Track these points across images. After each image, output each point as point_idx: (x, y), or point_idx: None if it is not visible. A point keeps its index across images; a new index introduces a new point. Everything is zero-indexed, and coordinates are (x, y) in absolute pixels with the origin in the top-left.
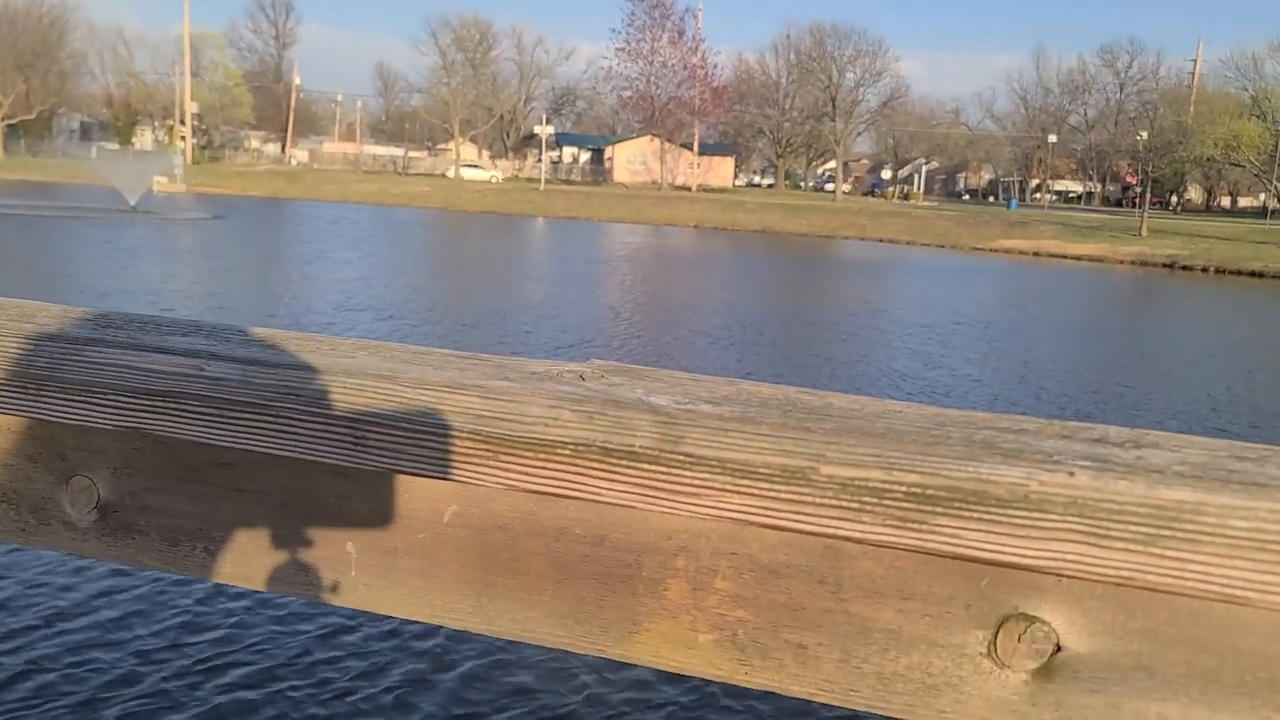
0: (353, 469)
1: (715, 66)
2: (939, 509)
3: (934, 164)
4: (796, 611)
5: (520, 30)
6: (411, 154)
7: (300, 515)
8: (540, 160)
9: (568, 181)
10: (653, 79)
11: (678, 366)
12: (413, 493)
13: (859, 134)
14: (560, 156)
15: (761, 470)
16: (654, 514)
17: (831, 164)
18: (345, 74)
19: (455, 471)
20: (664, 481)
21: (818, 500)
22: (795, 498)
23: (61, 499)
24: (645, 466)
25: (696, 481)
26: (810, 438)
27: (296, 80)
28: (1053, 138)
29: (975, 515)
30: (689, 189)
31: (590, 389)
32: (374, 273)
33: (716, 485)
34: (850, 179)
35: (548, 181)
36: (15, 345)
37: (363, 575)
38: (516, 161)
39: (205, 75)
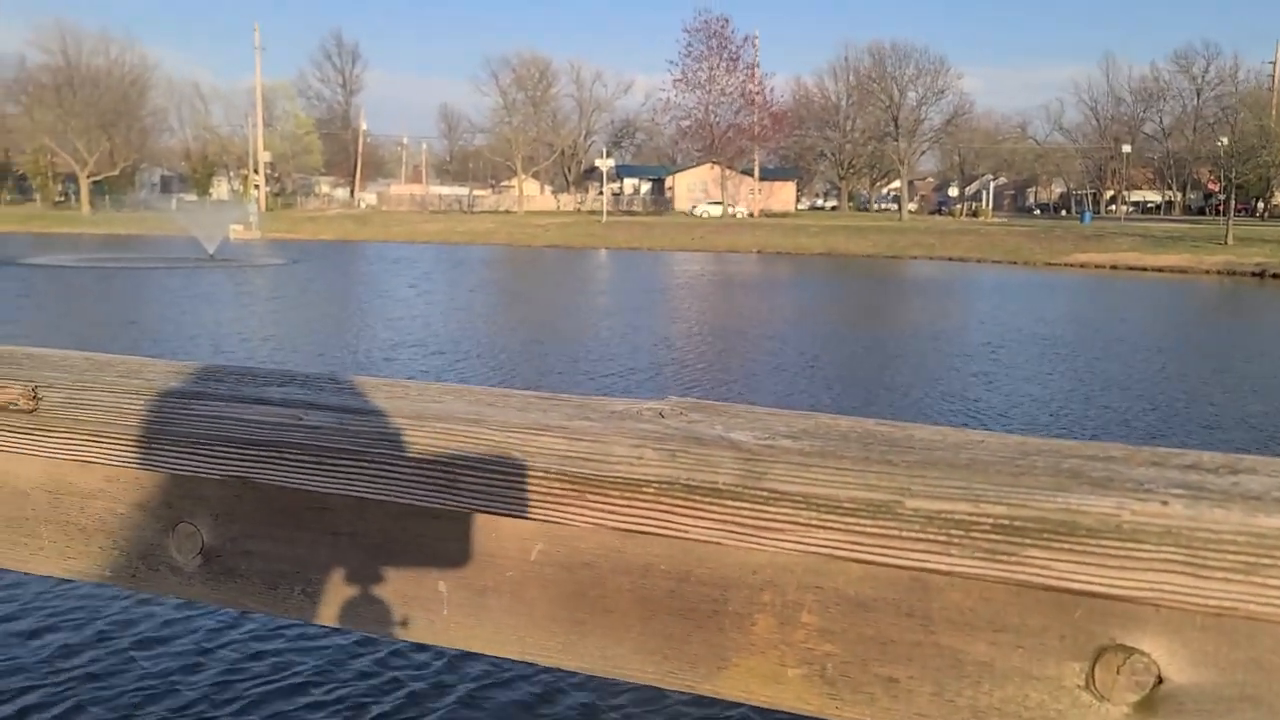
0: (444, 510)
1: (773, 91)
2: (1028, 540)
3: (1002, 179)
4: (886, 645)
5: (579, 66)
6: (476, 192)
7: (394, 556)
8: (601, 193)
9: (629, 212)
10: (711, 107)
11: (740, 394)
12: (501, 532)
13: (923, 152)
14: (621, 188)
15: (846, 505)
16: (738, 549)
17: (896, 184)
18: (410, 117)
19: (543, 511)
20: (748, 518)
21: (904, 534)
22: (881, 532)
23: (168, 545)
24: (729, 503)
25: (781, 517)
26: (894, 471)
27: (363, 125)
28: (1126, 148)
29: (1066, 546)
30: (751, 215)
31: (671, 426)
32: (430, 310)
33: (801, 520)
34: (916, 198)
35: (609, 213)
36: (128, 401)
37: (455, 614)
38: (578, 195)
39: (277, 125)
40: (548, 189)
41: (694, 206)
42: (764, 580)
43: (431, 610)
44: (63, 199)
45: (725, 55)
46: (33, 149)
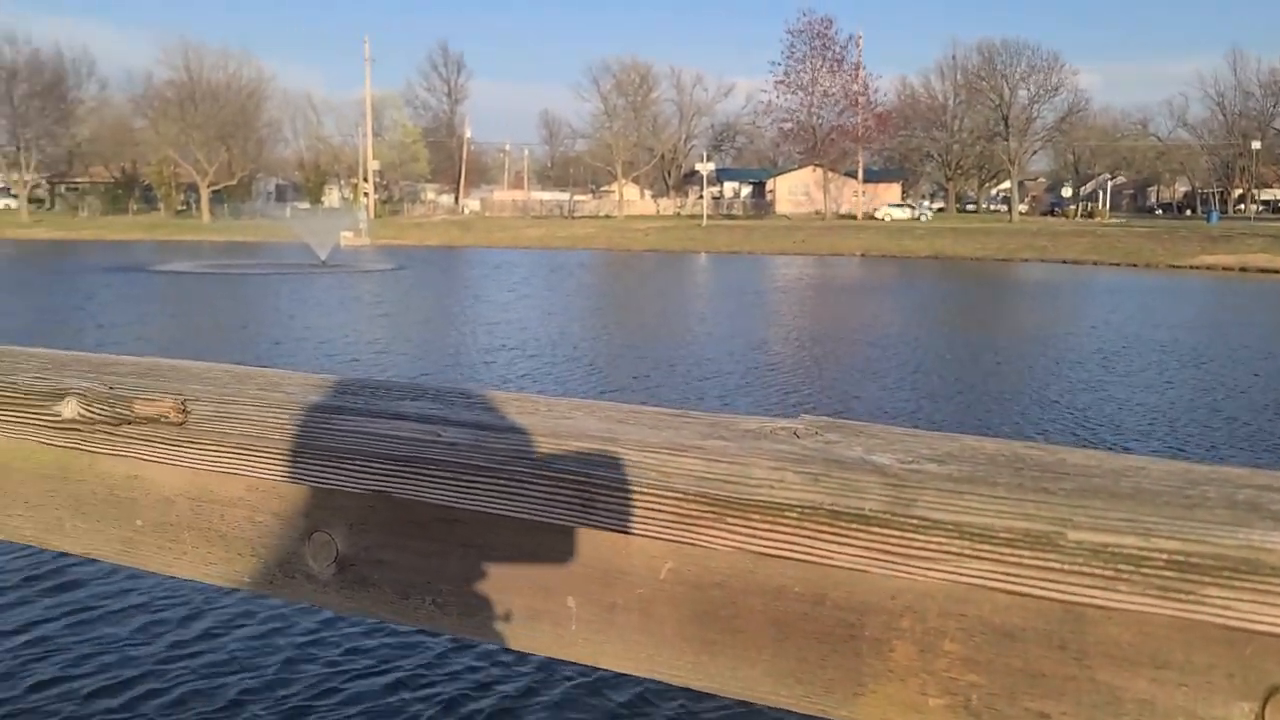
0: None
1: (877, 92)
2: (1207, 579)
3: (1120, 179)
4: (1036, 678)
5: (679, 71)
6: (577, 197)
7: (524, 570)
8: (701, 197)
9: (730, 216)
10: (813, 109)
11: (834, 400)
12: (630, 549)
13: (1035, 152)
14: (721, 192)
15: (1002, 535)
16: (874, 575)
17: (1005, 184)
18: (512, 124)
19: (680, 533)
20: (896, 546)
21: (1065, 567)
22: (1040, 564)
23: (304, 553)
24: (876, 530)
25: (931, 546)
26: (1053, 500)
27: (468, 133)
28: (1256, 144)
29: (1249, 586)
30: (854, 217)
31: (809, 448)
32: (528, 314)
33: (954, 550)
34: (1027, 198)
35: (709, 217)
36: (272, 416)
37: (583, 629)
38: (678, 199)
39: (385, 134)
40: (648, 193)
41: (876, 209)
42: (903, 606)
43: (560, 625)
44: (184, 208)
45: (829, 56)
46: (157, 160)
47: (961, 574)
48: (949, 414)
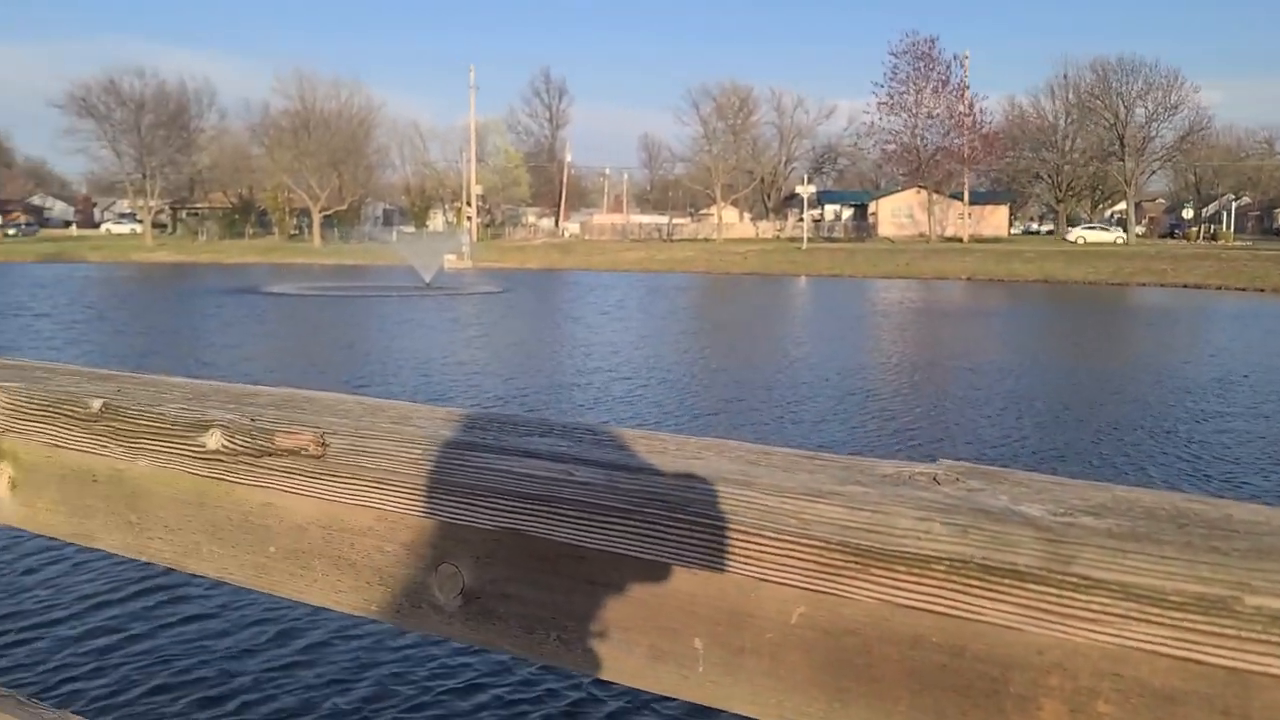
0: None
1: (984, 112)
2: None
3: (1245, 199)
4: None
5: (780, 93)
6: (675, 220)
7: (649, 609)
8: (801, 219)
9: (830, 239)
10: (917, 130)
11: (925, 429)
12: (761, 593)
13: (1153, 172)
14: (822, 214)
15: (1172, 598)
16: (1018, 630)
17: (1120, 206)
18: (612, 148)
19: (820, 582)
20: (1053, 604)
21: (1242, 634)
22: (1214, 630)
23: (431, 584)
24: (1032, 587)
25: (1094, 606)
26: (1227, 562)
27: (568, 157)
28: None
29: None
30: (960, 240)
31: (952, 495)
32: (621, 336)
33: (1118, 612)
34: (1143, 221)
35: (810, 240)
36: (406, 450)
37: (710, 672)
38: (777, 222)
39: (489, 159)
40: (747, 216)
41: (1068, 232)
42: (1051, 663)
43: (686, 666)
44: (297, 232)
45: (933, 77)
46: (272, 186)
47: (1125, 637)
48: (1053, 445)
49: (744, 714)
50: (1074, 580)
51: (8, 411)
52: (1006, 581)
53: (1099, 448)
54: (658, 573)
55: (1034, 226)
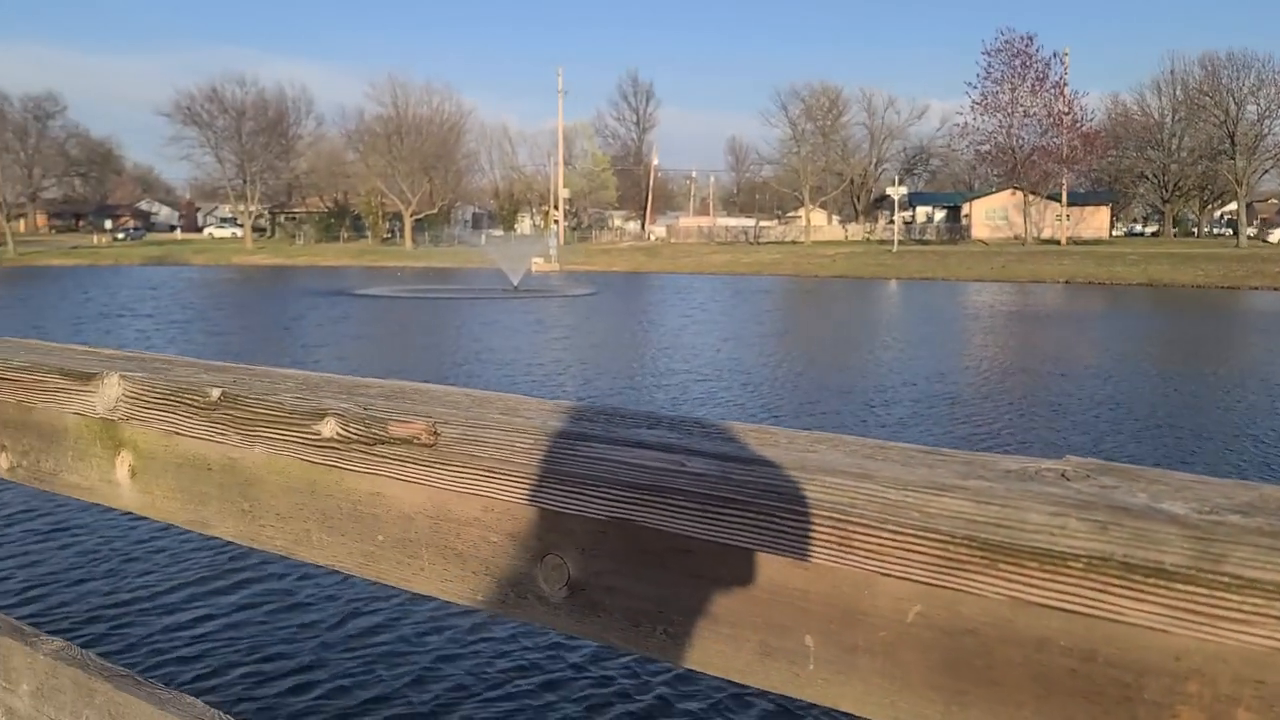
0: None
1: (1084, 110)
2: None
3: None
4: None
5: (870, 94)
6: (762, 223)
7: (758, 604)
8: (892, 221)
9: (922, 241)
10: (1013, 130)
11: (1011, 434)
12: (875, 589)
13: (1266, 171)
14: (913, 216)
15: None
16: (1155, 633)
17: (1231, 206)
18: (699, 151)
19: (942, 577)
20: (1203, 604)
21: None
22: None
23: (536, 575)
24: (1179, 587)
25: (1245, 608)
26: None
27: (655, 161)
28: None
29: None
30: (1057, 242)
31: (1085, 492)
32: (705, 339)
33: (1273, 613)
34: (1256, 221)
35: (901, 243)
36: (517, 440)
37: (821, 669)
38: (867, 224)
39: (576, 163)
40: (835, 219)
41: (1269, 234)
42: (1189, 668)
43: (796, 663)
44: (390, 235)
45: (1030, 75)
46: (366, 191)
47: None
48: (1151, 456)
49: (856, 714)
50: (1226, 580)
51: (130, 400)
52: (1151, 581)
53: (1201, 456)
54: (769, 567)
55: (1138, 228)
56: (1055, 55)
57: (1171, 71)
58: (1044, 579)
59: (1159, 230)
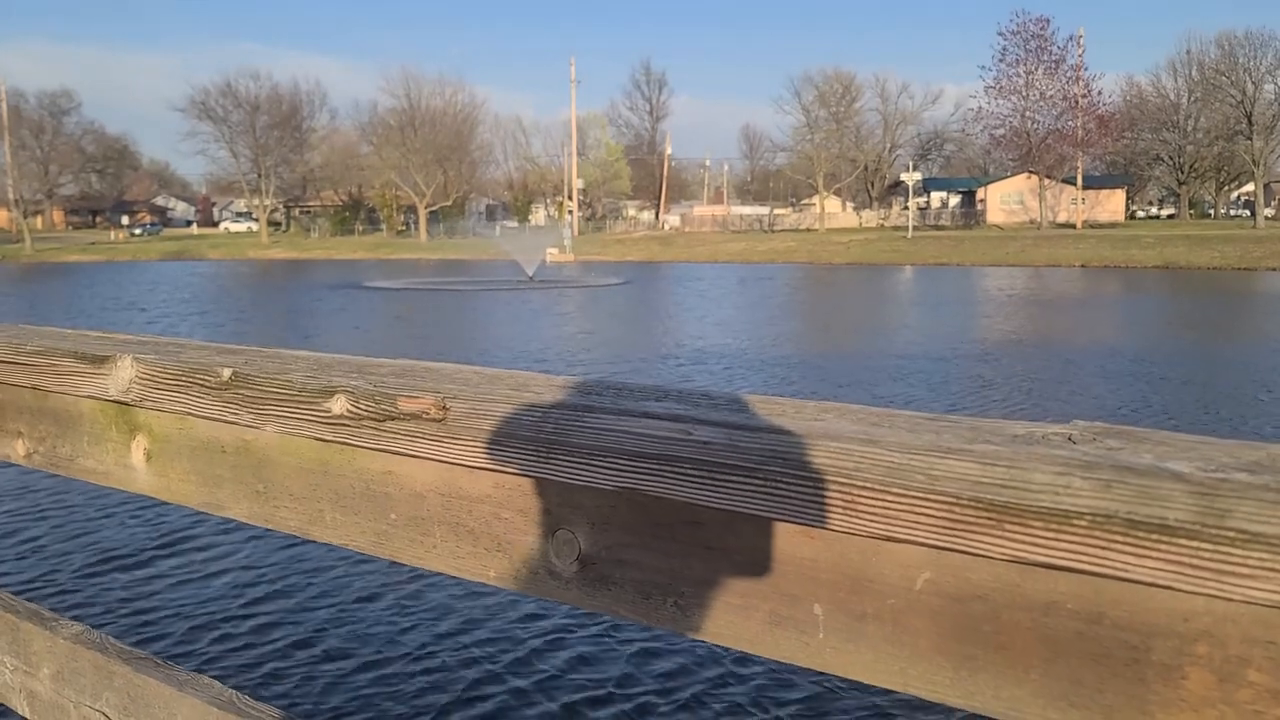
0: (817, 530)
1: (1100, 93)
2: None
3: None
4: None
5: (884, 79)
6: (776, 211)
7: (767, 574)
8: (906, 207)
9: (937, 227)
10: (1028, 113)
11: (1018, 409)
12: (882, 556)
13: None
14: (928, 202)
15: None
16: (1163, 593)
17: (1249, 187)
18: (712, 140)
19: (949, 539)
20: (1208, 560)
21: None
22: None
23: (548, 551)
24: (1183, 542)
25: (1251, 562)
26: None
27: (668, 150)
28: None
29: None
30: (1073, 226)
31: (1090, 453)
32: (717, 326)
33: (1278, 567)
34: (1274, 202)
35: (915, 228)
36: (526, 413)
37: (830, 638)
38: (881, 211)
39: (590, 153)
40: (849, 206)
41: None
42: (1198, 630)
43: (806, 632)
44: (404, 228)
45: (1045, 58)
46: (380, 184)
47: None
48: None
49: (867, 681)
50: (1230, 534)
51: (144, 382)
52: (1154, 537)
53: (1213, 424)
54: (778, 537)
55: (1153, 211)
56: (1071, 38)
57: (1188, 51)
58: (1049, 538)
59: (1175, 213)
